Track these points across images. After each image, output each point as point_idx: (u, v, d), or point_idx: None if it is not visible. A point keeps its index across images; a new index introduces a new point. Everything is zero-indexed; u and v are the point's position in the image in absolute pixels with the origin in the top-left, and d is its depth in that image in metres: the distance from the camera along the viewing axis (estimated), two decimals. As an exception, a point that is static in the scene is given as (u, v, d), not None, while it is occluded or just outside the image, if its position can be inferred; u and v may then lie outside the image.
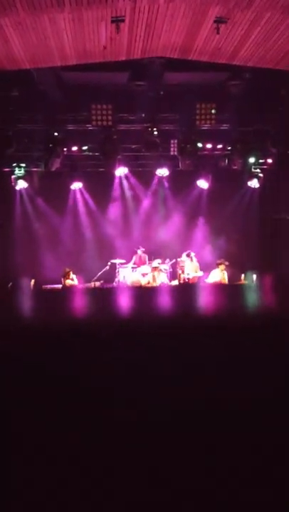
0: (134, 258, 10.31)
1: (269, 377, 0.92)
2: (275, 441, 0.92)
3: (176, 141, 10.20)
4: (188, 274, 9.60)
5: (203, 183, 10.72)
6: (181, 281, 9.55)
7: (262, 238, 11.19)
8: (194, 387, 0.92)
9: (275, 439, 0.92)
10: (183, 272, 9.78)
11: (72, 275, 8.99)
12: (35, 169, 10.23)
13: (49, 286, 9.02)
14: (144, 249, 10.35)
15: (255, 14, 6.42)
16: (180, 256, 10.02)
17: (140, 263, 10.26)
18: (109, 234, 10.94)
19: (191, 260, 9.80)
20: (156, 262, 9.65)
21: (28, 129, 9.85)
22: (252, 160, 10.41)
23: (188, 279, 9.52)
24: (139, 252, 10.31)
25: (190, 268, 9.73)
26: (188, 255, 9.86)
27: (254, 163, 10.52)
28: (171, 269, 10.17)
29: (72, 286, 8.83)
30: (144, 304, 1.16)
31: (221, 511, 0.88)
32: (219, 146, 10.46)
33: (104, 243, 10.80)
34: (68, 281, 8.91)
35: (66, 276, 8.95)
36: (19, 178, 10.09)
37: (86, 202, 10.98)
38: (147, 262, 10.21)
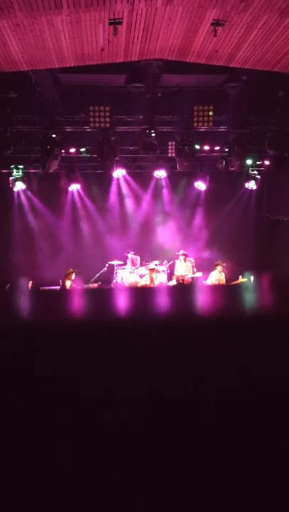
0: (128, 262, 10.32)
1: (269, 376, 0.93)
2: (275, 441, 0.93)
3: (173, 142, 10.22)
4: (181, 274, 9.61)
5: (200, 185, 10.75)
6: (175, 282, 9.56)
7: (259, 239, 11.24)
8: (194, 387, 0.93)
9: (276, 439, 0.93)
10: (172, 272, 9.85)
11: (74, 276, 8.94)
12: (33, 171, 10.23)
13: (47, 288, 9.01)
14: (134, 252, 10.34)
15: (252, 17, 6.45)
16: (177, 257, 10.05)
17: (134, 266, 10.27)
18: (107, 235, 10.95)
19: (184, 260, 9.82)
20: (153, 264, 9.66)
21: (25, 130, 9.85)
22: (249, 162, 10.44)
23: (182, 279, 9.52)
24: (130, 255, 10.30)
25: (181, 268, 9.74)
26: (178, 255, 9.91)
27: (251, 165, 10.56)
28: (168, 271, 10.19)
29: (70, 288, 8.81)
30: (143, 304, 1.17)
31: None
32: (217, 148, 10.49)
33: (102, 244, 10.81)
34: (68, 282, 8.88)
35: (68, 276, 8.91)
36: (17, 179, 10.08)
37: (84, 203, 10.99)
38: (138, 264, 10.21)
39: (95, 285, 9.46)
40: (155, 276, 9.34)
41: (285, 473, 0.89)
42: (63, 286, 8.87)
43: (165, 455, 0.87)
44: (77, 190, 10.78)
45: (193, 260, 10.36)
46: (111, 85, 9.35)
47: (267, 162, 10.55)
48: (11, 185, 10.14)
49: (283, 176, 10.53)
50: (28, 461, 0.87)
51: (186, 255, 9.93)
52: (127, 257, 10.29)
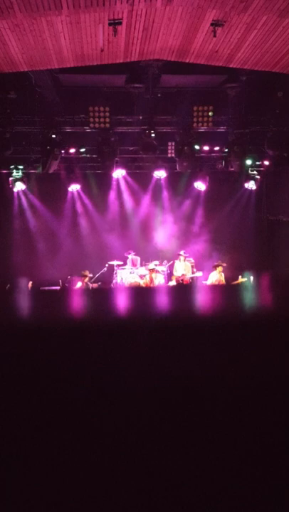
0: (128, 263, 10.32)
1: (269, 376, 0.93)
2: (275, 441, 0.93)
3: (173, 143, 10.23)
4: (182, 274, 9.60)
5: (200, 185, 10.75)
6: (174, 282, 9.57)
7: (258, 239, 11.25)
8: (194, 387, 0.92)
9: (276, 439, 0.93)
10: (172, 272, 9.84)
11: (87, 279, 8.94)
12: (32, 171, 10.24)
13: (47, 288, 9.02)
14: (134, 253, 10.35)
15: (252, 17, 6.46)
16: (177, 257, 10.06)
17: (134, 266, 10.27)
18: (107, 235, 10.96)
19: (183, 260, 9.82)
20: (153, 264, 9.66)
21: (25, 131, 9.86)
22: (249, 162, 10.45)
23: (182, 279, 9.53)
24: (130, 256, 10.31)
25: (180, 268, 9.74)
26: (178, 255, 9.93)
27: (251, 165, 10.56)
28: (168, 271, 10.19)
29: (73, 289, 8.82)
30: (143, 304, 1.17)
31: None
32: (216, 148, 10.50)
33: (102, 245, 10.81)
34: (79, 284, 8.88)
35: (83, 278, 8.90)
36: (17, 180, 10.08)
37: (84, 204, 11.00)
38: (138, 264, 10.21)
39: (95, 285, 9.47)
40: (155, 276, 9.35)
41: (286, 474, 0.89)
42: (73, 284, 8.86)
43: (165, 455, 0.88)
44: (77, 191, 10.79)
45: (192, 260, 10.37)
46: (111, 86, 9.36)
47: (266, 162, 10.56)
48: (10, 185, 10.15)
49: (283, 176, 10.54)
50: (28, 461, 0.87)
51: (186, 255, 9.94)
52: (127, 258, 10.30)
